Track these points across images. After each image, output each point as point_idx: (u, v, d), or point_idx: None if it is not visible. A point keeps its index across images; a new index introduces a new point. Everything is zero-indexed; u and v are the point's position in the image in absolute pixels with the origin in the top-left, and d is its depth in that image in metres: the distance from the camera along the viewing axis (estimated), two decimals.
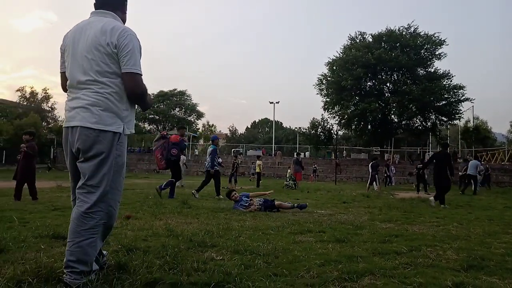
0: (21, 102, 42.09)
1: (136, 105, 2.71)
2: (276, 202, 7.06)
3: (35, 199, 7.77)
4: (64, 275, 2.27)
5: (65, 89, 2.63)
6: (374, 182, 16.14)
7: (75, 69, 2.46)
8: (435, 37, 31.76)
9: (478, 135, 35.28)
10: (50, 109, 43.33)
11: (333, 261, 3.16)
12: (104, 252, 2.73)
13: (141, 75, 2.49)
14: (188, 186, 14.73)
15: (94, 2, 2.65)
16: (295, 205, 7.20)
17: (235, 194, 7.33)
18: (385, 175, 20.66)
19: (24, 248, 3.20)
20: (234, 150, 35.70)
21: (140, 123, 44.71)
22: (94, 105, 2.39)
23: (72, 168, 2.52)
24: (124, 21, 2.67)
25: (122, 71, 2.44)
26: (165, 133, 9.52)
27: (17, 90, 43.32)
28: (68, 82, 2.52)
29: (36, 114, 34.79)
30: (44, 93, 42.66)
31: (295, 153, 23.10)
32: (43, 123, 38.56)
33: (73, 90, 2.48)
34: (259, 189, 14.17)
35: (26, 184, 7.95)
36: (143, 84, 2.52)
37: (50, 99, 43.03)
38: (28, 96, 42.44)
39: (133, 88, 2.46)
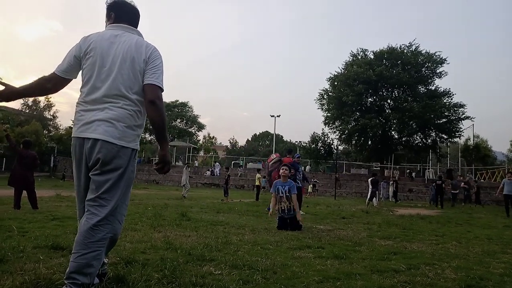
0: (23, 110, 42.21)
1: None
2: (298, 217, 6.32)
3: (35, 208, 7.75)
4: (64, 286, 2.27)
5: (47, 90, 2.56)
6: (374, 198, 16.12)
7: (102, 81, 2.40)
8: (436, 55, 32.09)
9: (478, 153, 35.30)
10: (52, 117, 43.46)
11: (331, 278, 3.15)
12: (105, 260, 2.71)
13: (163, 90, 2.47)
14: (188, 198, 14.71)
15: (112, 14, 2.59)
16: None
17: (286, 170, 6.62)
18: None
19: (23, 259, 3.20)
20: (233, 162, 35.57)
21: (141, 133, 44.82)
22: (119, 121, 2.37)
23: (83, 178, 2.44)
24: None
25: (146, 82, 2.42)
26: (280, 156, 10.31)
27: None
28: (89, 95, 2.41)
29: (38, 122, 34.80)
30: (47, 101, 42.81)
31: None
32: (45, 131, 38.52)
33: (93, 102, 2.40)
34: (258, 203, 14.13)
35: (25, 192, 7.95)
36: (163, 100, 2.48)
37: (52, 108, 43.19)
38: (30, 104, 42.61)
39: (154, 99, 2.40)
